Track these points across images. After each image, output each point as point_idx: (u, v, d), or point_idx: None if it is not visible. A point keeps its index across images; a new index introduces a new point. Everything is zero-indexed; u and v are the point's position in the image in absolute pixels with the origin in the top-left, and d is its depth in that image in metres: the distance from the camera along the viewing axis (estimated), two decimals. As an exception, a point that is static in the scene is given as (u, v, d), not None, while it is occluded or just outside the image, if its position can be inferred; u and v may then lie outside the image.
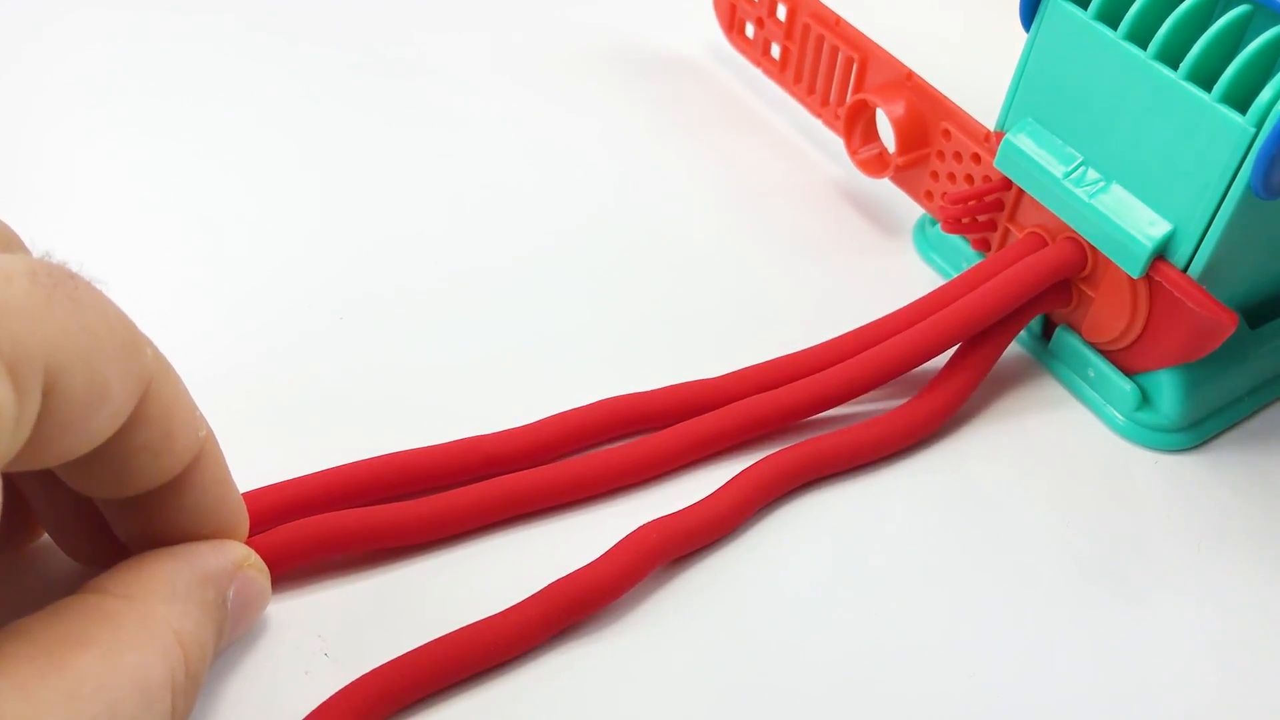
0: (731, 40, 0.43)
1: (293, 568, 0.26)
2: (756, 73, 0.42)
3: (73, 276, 0.18)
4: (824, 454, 0.29)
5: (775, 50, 0.41)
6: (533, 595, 0.26)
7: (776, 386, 0.31)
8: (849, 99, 0.37)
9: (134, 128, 0.38)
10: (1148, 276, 0.29)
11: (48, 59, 0.41)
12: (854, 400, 0.31)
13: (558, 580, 0.26)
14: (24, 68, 0.40)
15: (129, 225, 0.35)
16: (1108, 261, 0.30)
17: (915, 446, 0.31)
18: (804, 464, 0.29)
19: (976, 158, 0.34)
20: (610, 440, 0.30)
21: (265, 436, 0.29)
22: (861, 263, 0.37)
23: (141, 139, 0.38)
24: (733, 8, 0.42)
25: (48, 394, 0.17)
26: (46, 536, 0.25)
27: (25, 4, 0.43)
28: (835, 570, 0.28)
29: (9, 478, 0.22)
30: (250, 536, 0.25)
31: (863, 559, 0.28)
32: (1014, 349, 0.34)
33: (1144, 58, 0.28)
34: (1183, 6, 0.27)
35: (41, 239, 0.33)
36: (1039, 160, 0.31)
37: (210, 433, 0.22)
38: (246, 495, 0.26)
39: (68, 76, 0.40)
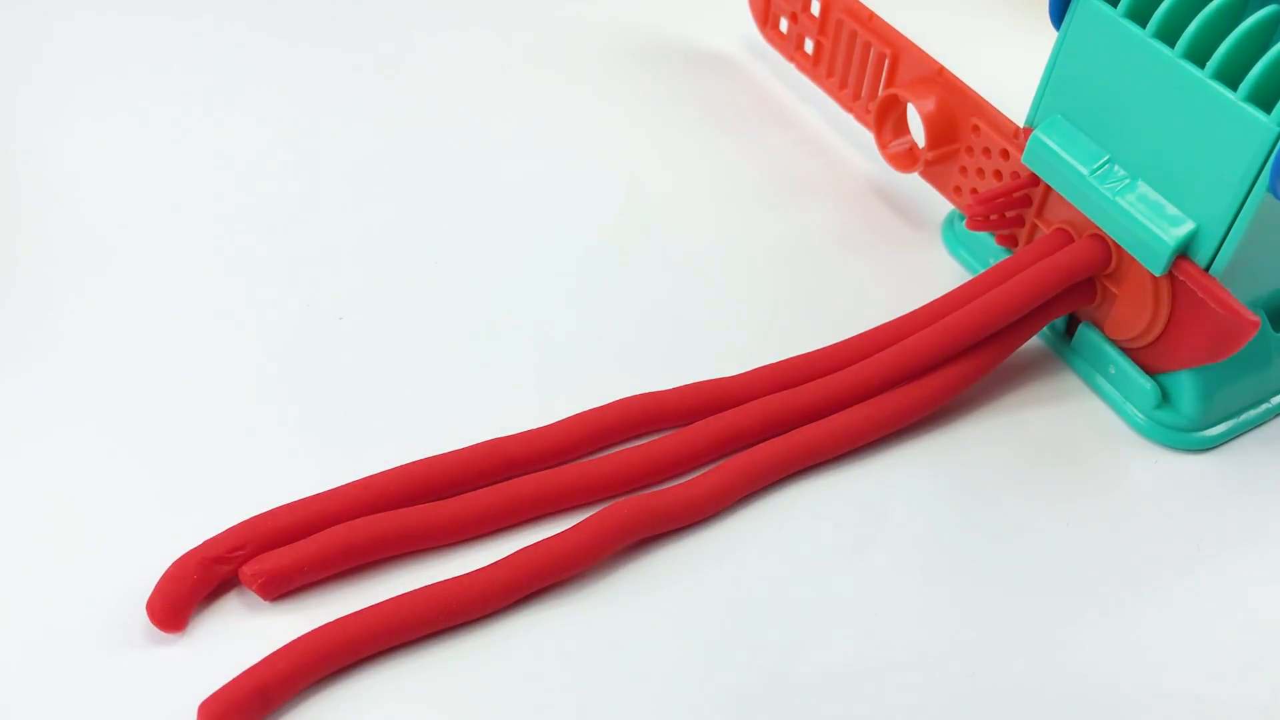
0: (765, 35, 0.43)
1: (321, 578, 0.27)
2: (789, 67, 0.43)
3: None
4: (815, 441, 0.30)
5: (808, 45, 0.41)
6: (500, 560, 0.27)
7: (794, 385, 0.31)
8: (880, 94, 0.38)
9: (136, 129, 0.39)
10: (1170, 275, 0.29)
11: (48, 61, 0.41)
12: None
13: (525, 547, 0.27)
14: (25, 71, 0.41)
15: (130, 225, 0.36)
16: (1132, 259, 0.30)
17: (916, 433, 0.31)
18: (795, 451, 0.30)
19: (1005, 153, 0.34)
20: (632, 439, 0.30)
21: (274, 441, 0.30)
22: (889, 257, 0.37)
23: (143, 141, 0.38)
24: (767, 3, 0.42)
25: None
26: None
27: (26, 6, 0.43)
28: (826, 560, 0.28)
29: None
30: (283, 546, 0.26)
31: (856, 550, 0.29)
32: (1037, 344, 0.34)
33: (1172, 56, 0.28)
34: (1211, 5, 0.28)
35: (43, 241, 0.34)
36: (1066, 157, 0.31)
37: None
38: (277, 510, 0.27)
39: (69, 79, 0.41)
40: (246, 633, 0.26)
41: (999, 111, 0.34)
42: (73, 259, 0.34)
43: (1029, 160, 0.32)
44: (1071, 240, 0.32)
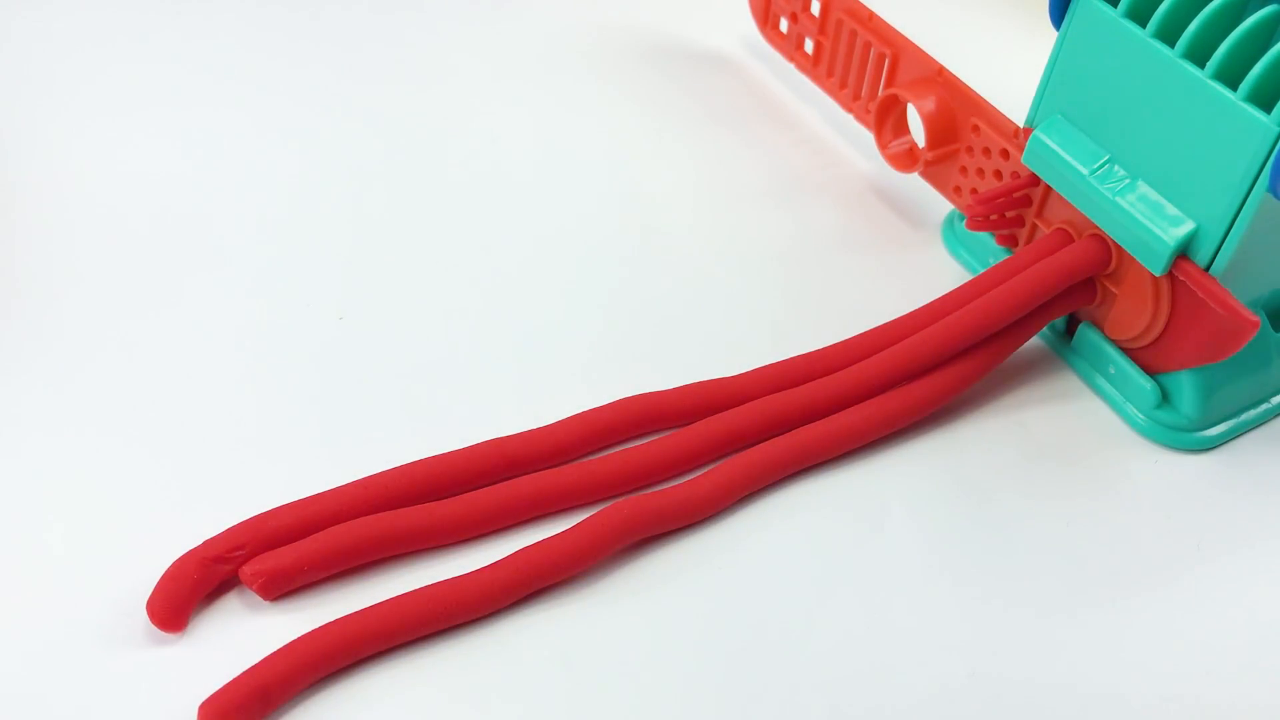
0: (765, 35, 0.43)
1: (321, 578, 0.27)
2: (790, 67, 0.43)
3: None
4: (815, 441, 0.30)
5: (808, 45, 0.41)
6: (500, 560, 0.27)
7: (794, 385, 0.31)
8: (880, 94, 0.38)
9: (136, 128, 0.39)
10: (1170, 275, 0.29)
11: (46, 58, 0.41)
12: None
13: (525, 547, 0.27)
14: (24, 68, 0.41)
15: (130, 224, 0.36)
16: (1132, 259, 0.30)
17: (916, 433, 0.31)
18: (795, 451, 0.30)
19: (1005, 153, 0.34)
20: (632, 439, 0.30)
21: (274, 441, 0.30)
22: (889, 257, 0.37)
23: (144, 139, 0.39)
24: (767, 3, 0.42)
25: None
26: None
27: (28, 6, 0.43)
28: (827, 560, 0.28)
29: None
30: (283, 546, 0.26)
31: (855, 549, 0.29)
32: (1037, 344, 0.34)
33: (1172, 56, 0.28)
34: (1211, 5, 0.28)
35: (40, 240, 0.34)
36: (1066, 157, 0.31)
37: None
38: (277, 510, 0.27)
39: (67, 77, 0.41)
40: (246, 633, 0.26)
41: (999, 111, 0.34)
42: (71, 258, 0.34)
43: (1029, 160, 0.32)
44: (1071, 240, 0.32)
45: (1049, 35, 0.31)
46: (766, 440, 0.30)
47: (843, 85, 0.40)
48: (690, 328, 0.34)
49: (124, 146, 0.38)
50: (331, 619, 0.25)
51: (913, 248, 0.37)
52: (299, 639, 0.25)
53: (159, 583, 0.26)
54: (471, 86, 0.42)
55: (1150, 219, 0.29)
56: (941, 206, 0.38)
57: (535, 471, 0.29)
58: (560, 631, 0.26)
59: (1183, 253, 0.29)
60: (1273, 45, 0.27)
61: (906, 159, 0.38)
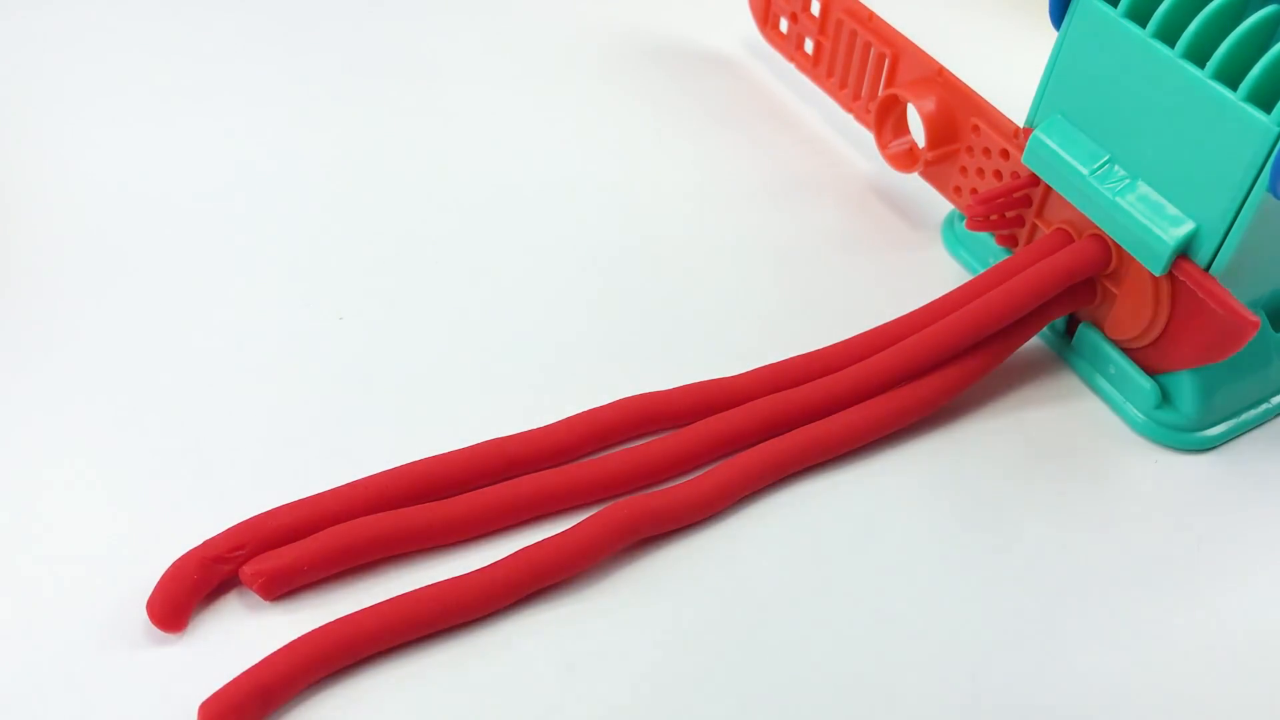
0: (765, 35, 0.43)
1: (321, 578, 0.27)
2: (789, 67, 0.43)
3: None
4: (815, 441, 0.30)
5: (808, 45, 0.41)
6: (500, 560, 0.27)
7: (794, 385, 0.31)
8: (880, 94, 0.38)
9: (135, 129, 0.39)
10: (1170, 275, 0.29)
11: (48, 61, 0.41)
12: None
13: (525, 547, 0.27)
14: (28, 75, 0.41)
15: (129, 224, 0.36)
16: (1132, 259, 0.30)
17: (917, 434, 0.31)
18: (795, 451, 0.30)
19: (1005, 153, 0.34)
20: (632, 439, 0.30)
21: (274, 441, 0.30)
22: (889, 257, 0.37)
23: (143, 141, 0.39)
24: (767, 3, 0.42)
25: None
26: None
27: (26, 6, 0.43)
28: (826, 560, 0.28)
29: None
30: (283, 546, 0.26)
31: (855, 550, 0.29)
32: (1037, 344, 0.34)
33: (1172, 56, 0.28)
34: (1211, 5, 0.28)
35: (40, 242, 0.34)
36: (1066, 157, 0.31)
37: None
38: (277, 510, 0.27)
39: (66, 76, 0.41)
40: (246, 633, 0.26)
41: (999, 111, 0.34)
42: (71, 259, 0.34)
43: (1029, 160, 0.32)
44: (1071, 240, 0.32)
45: (1049, 35, 0.31)
46: (766, 440, 0.30)
47: (843, 85, 0.40)
48: (690, 328, 0.34)
49: (123, 144, 0.38)
50: (331, 619, 0.25)
51: (913, 248, 0.37)
52: (299, 639, 0.25)
53: (159, 583, 0.26)
54: (471, 87, 0.42)
55: (1150, 219, 0.29)
56: (941, 206, 0.38)
57: (535, 471, 0.29)
58: (561, 631, 0.26)
59: (1183, 253, 0.29)
60: (1273, 45, 0.27)
61: (906, 159, 0.38)
